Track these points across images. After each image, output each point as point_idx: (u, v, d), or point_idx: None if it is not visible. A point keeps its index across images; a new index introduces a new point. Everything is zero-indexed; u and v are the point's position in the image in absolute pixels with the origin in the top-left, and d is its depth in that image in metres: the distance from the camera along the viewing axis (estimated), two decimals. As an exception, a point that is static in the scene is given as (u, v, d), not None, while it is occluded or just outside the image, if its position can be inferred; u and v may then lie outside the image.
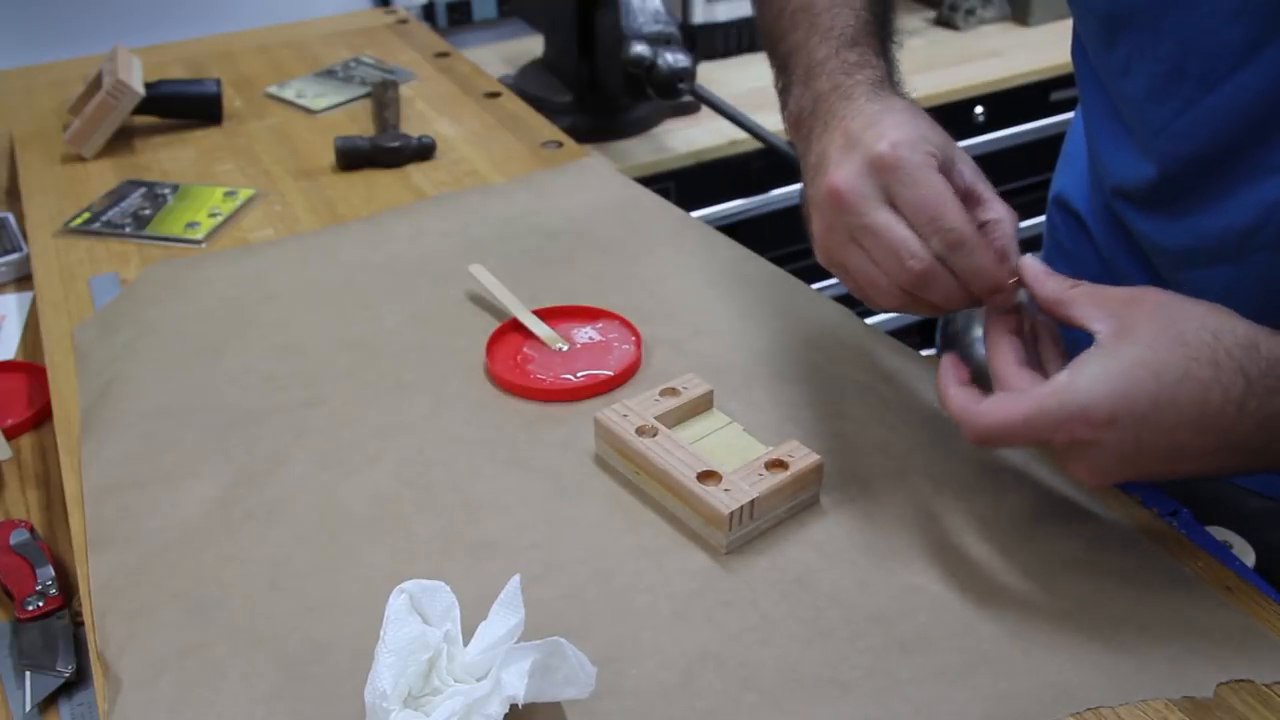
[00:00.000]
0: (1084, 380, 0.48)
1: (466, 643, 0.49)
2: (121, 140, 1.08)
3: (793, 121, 0.62)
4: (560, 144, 1.06)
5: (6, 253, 0.96)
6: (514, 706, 0.46)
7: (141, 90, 1.06)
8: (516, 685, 0.45)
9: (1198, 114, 0.57)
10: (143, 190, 0.98)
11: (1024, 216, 1.79)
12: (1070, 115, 1.59)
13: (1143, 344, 0.48)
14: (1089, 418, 0.47)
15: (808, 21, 0.63)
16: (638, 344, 0.73)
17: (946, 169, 0.53)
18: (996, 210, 0.54)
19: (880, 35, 0.64)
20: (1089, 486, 0.58)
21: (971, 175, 0.55)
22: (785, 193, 1.55)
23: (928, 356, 0.73)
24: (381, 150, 1.02)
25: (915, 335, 1.83)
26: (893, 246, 0.52)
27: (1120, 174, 0.65)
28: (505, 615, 0.48)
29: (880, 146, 0.52)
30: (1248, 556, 0.63)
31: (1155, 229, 0.64)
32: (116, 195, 0.97)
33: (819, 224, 0.57)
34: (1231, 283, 0.60)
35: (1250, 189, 0.57)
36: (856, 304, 1.83)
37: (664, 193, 1.20)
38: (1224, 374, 0.47)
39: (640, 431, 0.61)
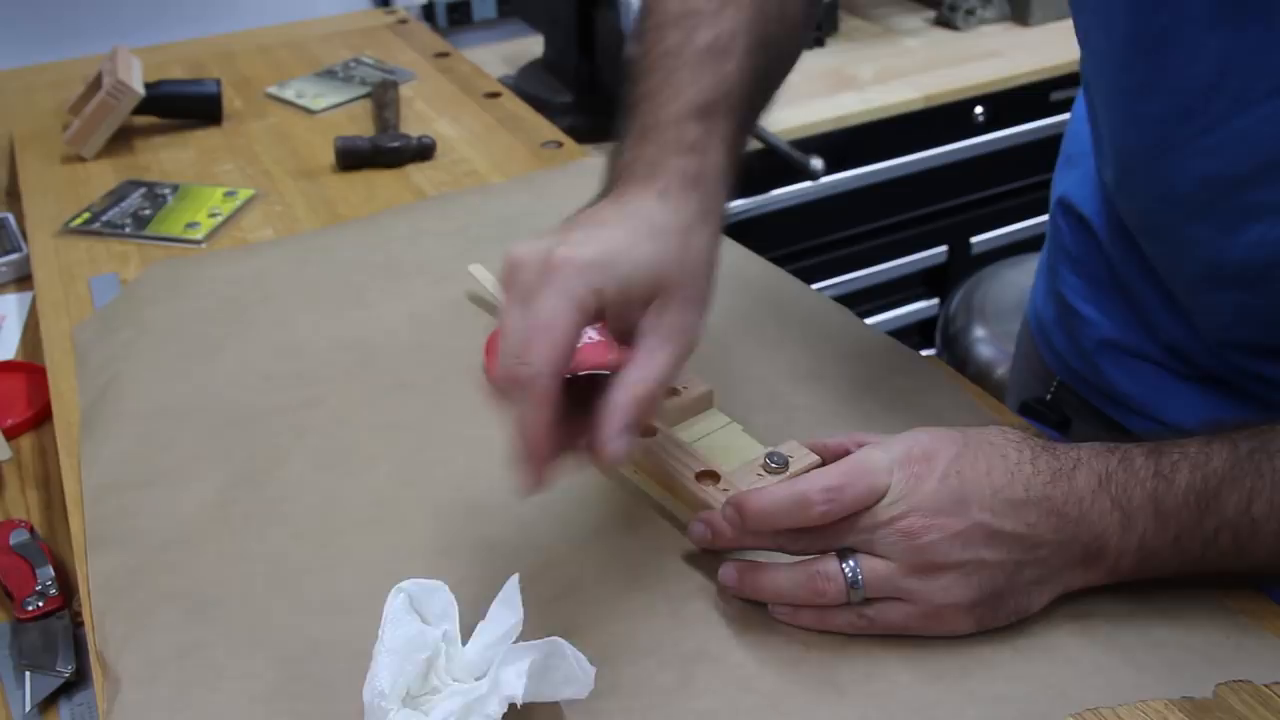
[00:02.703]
0: (890, 440, 0.51)
1: (465, 642, 0.49)
2: (121, 140, 1.08)
3: (613, 171, 0.55)
4: (560, 144, 1.06)
5: (6, 253, 0.96)
6: (512, 706, 0.46)
7: (141, 90, 1.06)
8: (515, 685, 0.45)
9: (1227, 134, 0.54)
10: (143, 190, 0.98)
11: (1024, 217, 1.80)
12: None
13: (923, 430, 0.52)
14: (914, 453, 0.50)
15: (667, 69, 0.56)
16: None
17: (624, 311, 0.49)
18: (634, 375, 0.48)
19: (746, 104, 0.57)
20: (954, 595, 0.49)
21: (653, 326, 0.49)
22: (785, 193, 1.55)
23: (928, 357, 0.73)
24: (381, 150, 1.02)
25: (915, 335, 1.83)
26: (504, 335, 0.48)
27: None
28: (504, 614, 0.48)
29: (562, 250, 0.47)
30: (1247, 557, 0.63)
31: (1167, 252, 0.63)
32: (116, 195, 0.98)
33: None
34: (1243, 307, 0.60)
35: (1274, 218, 0.55)
36: (857, 304, 1.83)
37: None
38: (1011, 441, 0.51)
39: (640, 431, 0.61)
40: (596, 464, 0.50)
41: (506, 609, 0.48)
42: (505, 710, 0.46)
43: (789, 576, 0.51)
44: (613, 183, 0.54)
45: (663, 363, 0.49)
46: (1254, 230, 0.56)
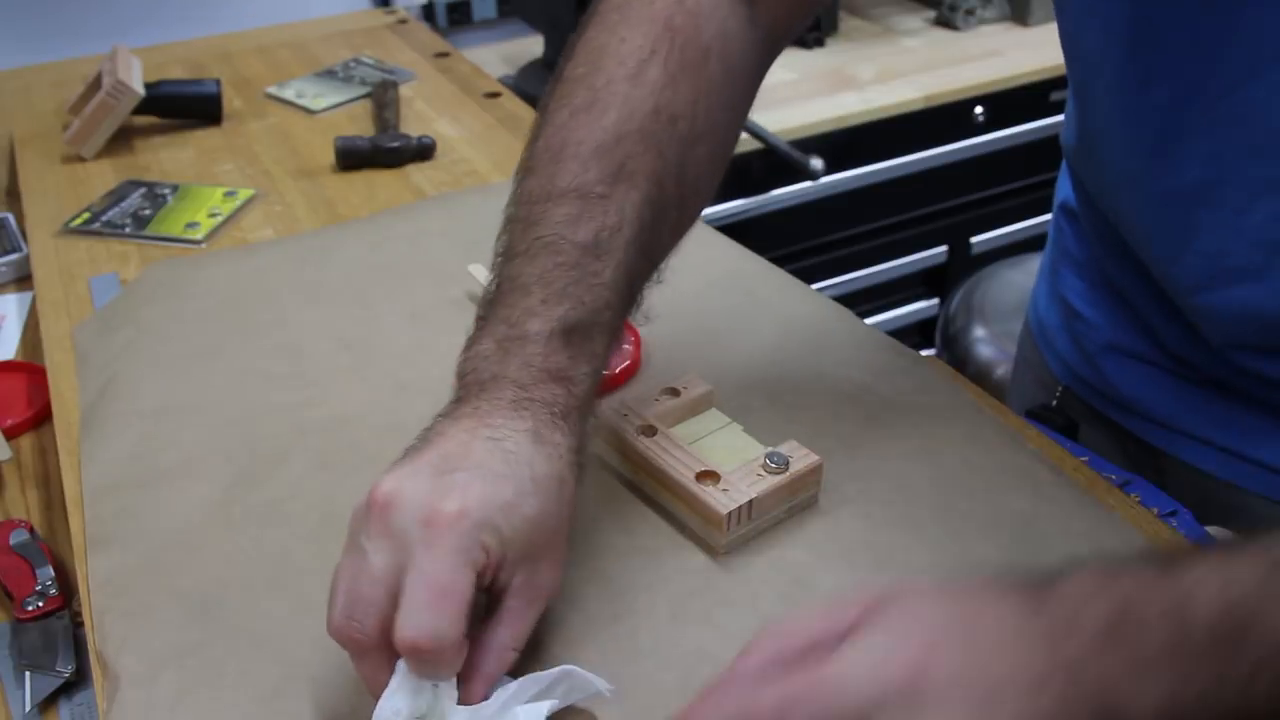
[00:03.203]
0: (887, 616, 0.40)
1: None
2: (121, 140, 1.08)
3: (471, 376, 0.52)
4: (560, 144, 1.06)
5: (6, 253, 0.96)
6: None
7: (141, 90, 1.06)
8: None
9: (1237, 103, 0.54)
10: (143, 190, 0.98)
11: (1024, 217, 1.79)
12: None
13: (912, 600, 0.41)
14: (900, 672, 0.38)
15: (540, 264, 0.52)
16: (637, 344, 0.73)
17: (498, 564, 0.46)
18: (502, 637, 0.47)
19: (620, 310, 0.54)
20: None
21: (522, 587, 0.47)
22: (785, 193, 1.55)
23: (928, 356, 0.73)
24: (381, 150, 1.02)
25: (915, 335, 1.84)
26: (353, 590, 0.45)
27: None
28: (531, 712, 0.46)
29: (450, 503, 0.45)
30: (1247, 557, 0.63)
31: (1169, 254, 0.63)
32: (116, 195, 0.98)
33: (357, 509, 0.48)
34: (1247, 304, 0.59)
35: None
36: (857, 304, 1.83)
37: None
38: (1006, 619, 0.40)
39: (640, 431, 0.61)
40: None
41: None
42: None
43: None
44: (472, 393, 0.50)
45: (528, 624, 0.48)
46: (1265, 207, 0.56)
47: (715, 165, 0.61)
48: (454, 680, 0.46)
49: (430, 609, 0.43)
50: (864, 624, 0.40)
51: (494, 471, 0.46)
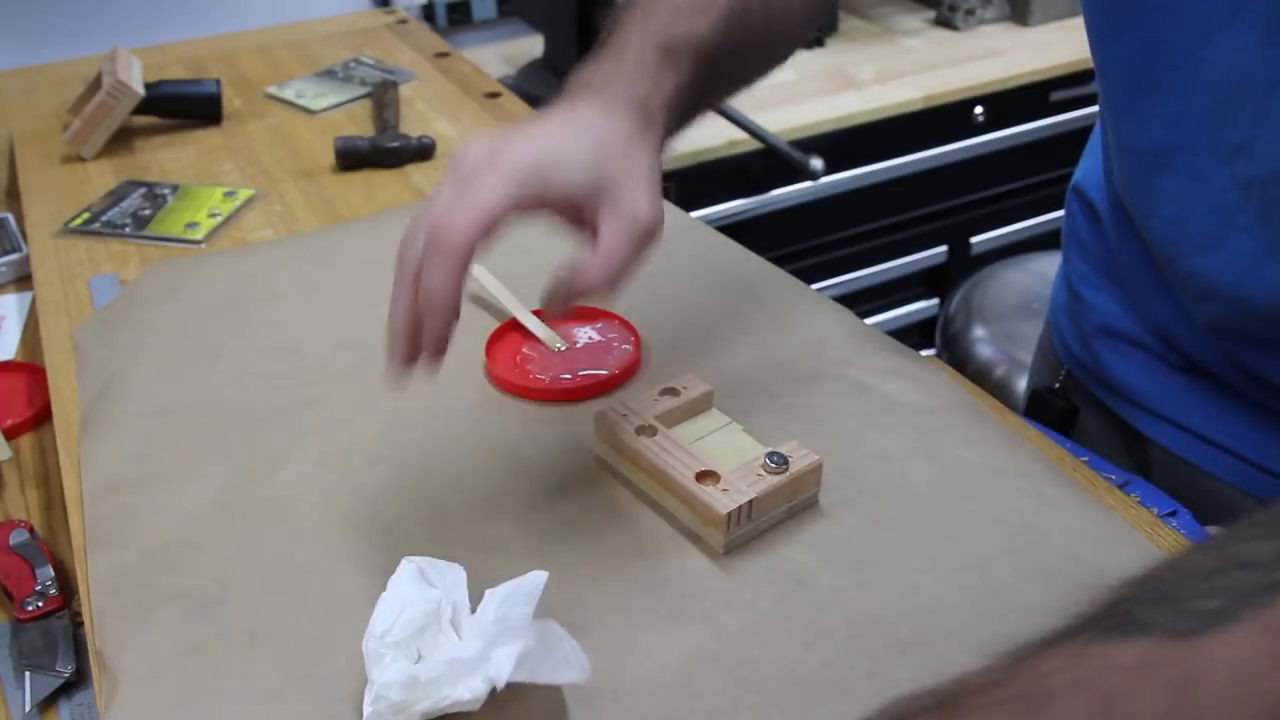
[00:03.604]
0: None
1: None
2: (121, 140, 1.08)
3: (569, 88, 0.58)
4: (560, 144, 1.06)
5: (6, 253, 0.96)
6: (520, 706, 0.46)
7: (141, 90, 1.06)
8: (503, 667, 0.45)
9: (1181, 79, 0.57)
10: (142, 190, 0.98)
11: (1024, 216, 1.79)
12: (1081, 112, 1.58)
13: None
14: None
15: (645, 11, 0.59)
16: (637, 344, 0.73)
17: (563, 200, 0.52)
18: (591, 261, 0.52)
19: (711, 62, 0.59)
20: None
21: (609, 215, 0.52)
22: (785, 193, 1.55)
23: (928, 356, 0.73)
24: (381, 150, 1.02)
25: (915, 335, 1.84)
26: (417, 218, 0.52)
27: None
28: (518, 601, 0.48)
29: (506, 148, 0.51)
30: (1247, 557, 0.63)
31: (1150, 211, 0.65)
32: (116, 195, 0.98)
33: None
34: (1211, 274, 0.61)
35: (1227, 167, 0.57)
36: (857, 304, 1.83)
37: (664, 193, 1.20)
38: None
39: (639, 431, 0.61)
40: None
41: (523, 597, 0.48)
42: (489, 690, 0.46)
43: None
44: (565, 98, 0.56)
45: (619, 249, 0.52)
46: (1222, 174, 0.58)
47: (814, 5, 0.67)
48: (465, 594, 0.49)
49: (461, 210, 0.49)
50: None
51: (554, 129, 0.52)
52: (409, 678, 0.45)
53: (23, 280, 0.95)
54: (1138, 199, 0.66)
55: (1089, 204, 0.76)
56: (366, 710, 0.46)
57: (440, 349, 0.52)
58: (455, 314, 0.51)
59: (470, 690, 0.46)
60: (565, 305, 0.53)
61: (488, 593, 0.49)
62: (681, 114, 0.58)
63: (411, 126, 1.10)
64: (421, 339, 0.52)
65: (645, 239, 0.53)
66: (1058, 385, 0.80)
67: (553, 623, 0.47)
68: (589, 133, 0.52)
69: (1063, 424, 0.79)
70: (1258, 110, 0.55)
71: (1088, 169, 0.78)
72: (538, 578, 0.49)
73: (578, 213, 0.53)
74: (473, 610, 0.49)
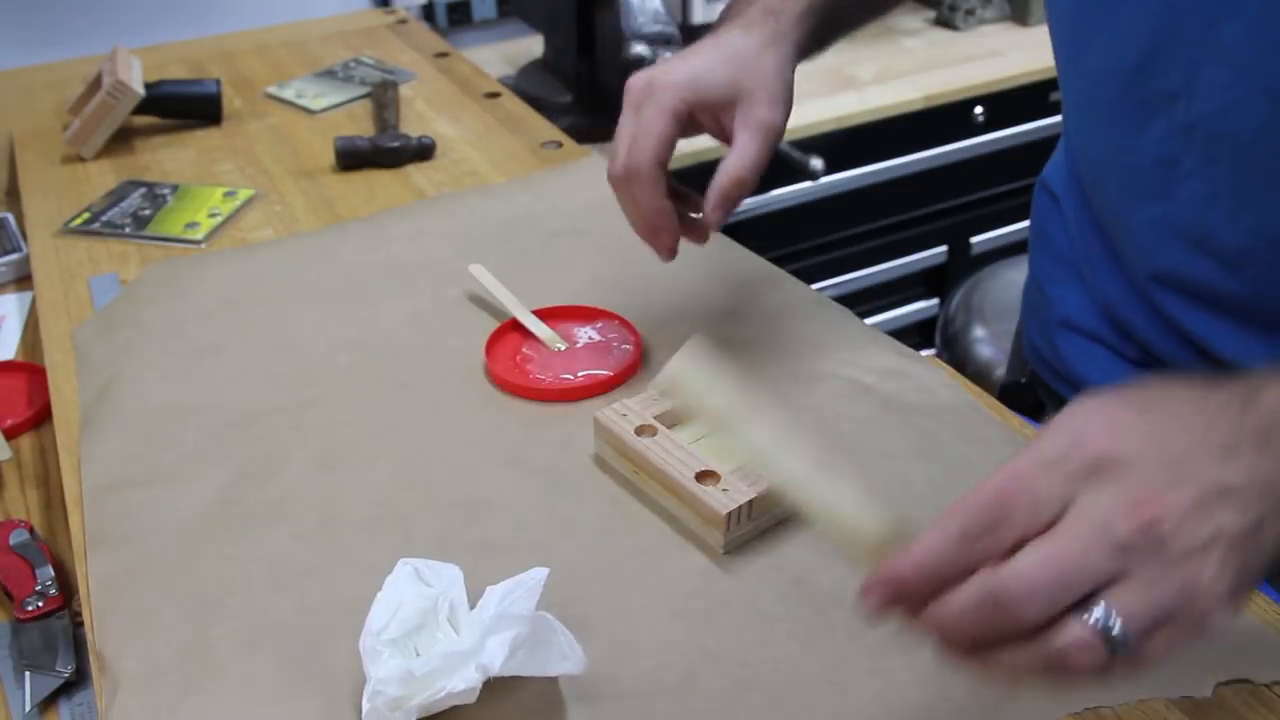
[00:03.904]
0: (1064, 417, 0.40)
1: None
2: (121, 140, 1.08)
3: (718, 21, 0.71)
4: (560, 144, 1.06)
5: (6, 253, 0.96)
6: (518, 706, 0.46)
7: (141, 90, 1.06)
8: (495, 655, 0.46)
9: (1118, 23, 0.60)
10: (142, 190, 0.98)
11: (1024, 217, 1.78)
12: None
13: (1104, 393, 0.41)
14: (1091, 431, 0.39)
15: None
16: (637, 344, 0.73)
17: (711, 111, 0.64)
18: (729, 164, 0.62)
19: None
20: (1212, 582, 0.37)
21: (740, 124, 0.63)
22: (785, 193, 1.55)
23: (928, 356, 0.73)
24: (381, 150, 1.02)
25: (915, 335, 1.83)
26: (619, 146, 0.64)
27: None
28: (520, 597, 0.48)
29: (658, 75, 0.63)
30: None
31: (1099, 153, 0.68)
32: (116, 195, 0.98)
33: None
34: (1165, 222, 0.63)
35: (1166, 114, 0.59)
36: (857, 304, 1.83)
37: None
38: (1196, 393, 0.41)
39: (639, 431, 0.61)
40: (700, 238, 0.69)
41: (524, 593, 0.48)
42: (483, 679, 0.46)
43: (1030, 658, 0.38)
44: (715, 28, 0.68)
45: (751, 150, 0.62)
46: (1159, 125, 0.60)
47: None
48: (462, 591, 0.50)
49: (640, 142, 0.63)
50: (1045, 433, 0.40)
51: (702, 52, 0.65)
52: (405, 672, 0.46)
53: (23, 280, 0.95)
54: (1090, 160, 0.69)
55: (1053, 195, 0.79)
56: (365, 706, 0.46)
57: (673, 249, 0.66)
58: (673, 217, 0.65)
59: (464, 680, 0.46)
60: (724, 204, 0.63)
61: (489, 589, 0.49)
62: (814, 29, 0.68)
63: (411, 126, 1.10)
64: (661, 240, 0.66)
65: (767, 137, 0.63)
66: (1024, 380, 0.82)
67: (546, 614, 0.47)
68: (729, 50, 0.64)
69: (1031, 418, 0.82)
70: (1194, 52, 0.56)
71: (1055, 162, 0.80)
72: (538, 574, 0.49)
73: (723, 122, 0.64)
74: (472, 607, 0.49)
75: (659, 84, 0.63)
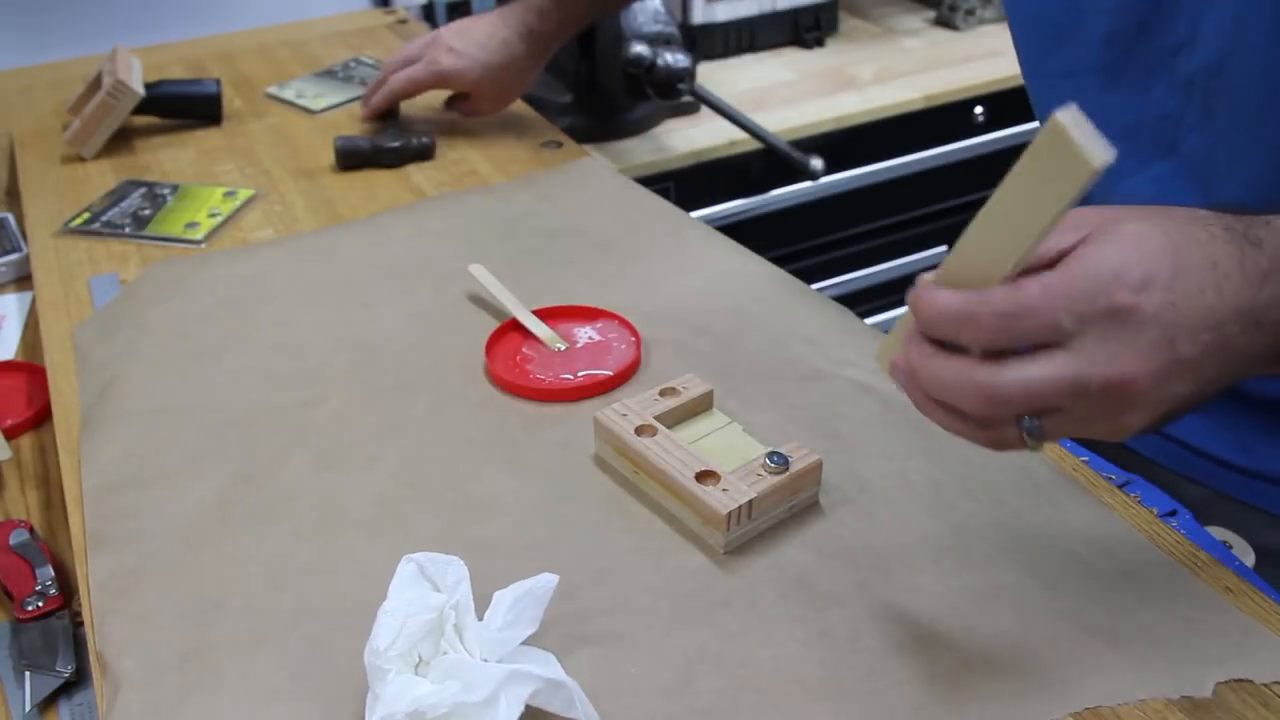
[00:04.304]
0: (1107, 250, 0.43)
1: (480, 615, 0.49)
2: (121, 140, 1.08)
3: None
4: (560, 144, 1.06)
5: (6, 253, 0.96)
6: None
7: (141, 90, 1.06)
8: (510, 712, 0.45)
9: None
10: (142, 190, 0.98)
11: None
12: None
13: (1136, 221, 0.44)
14: (1124, 281, 0.42)
15: None
16: (637, 344, 0.73)
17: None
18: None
19: None
20: (1131, 427, 0.45)
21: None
22: (785, 193, 1.55)
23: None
24: (382, 150, 1.02)
25: (915, 335, 1.83)
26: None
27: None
28: (529, 605, 0.48)
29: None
30: (1248, 557, 0.63)
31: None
32: (116, 195, 0.98)
33: None
34: (1164, 180, 0.64)
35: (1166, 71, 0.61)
36: (857, 304, 1.82)
37: (664, 193, 1.20)
38: (1219, 240, 0.45)
39: (639, 431, 0.61)
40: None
41: (533, 601, 0.48)
42: None
43: (966, 430, 0.47)
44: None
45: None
46: (1118, 94, 0.63)
47: None
48: (468, 591, 0.49)
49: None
50: (1088, 241, 0.44)
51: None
52: (414, 712, 0.45)
53: (23, 280, 0.95)
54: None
55: None
56: None
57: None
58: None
59: None
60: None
61: (497, 595, 0.49)
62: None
63: (411, 127, 1.10)
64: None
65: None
66: None
67: (569, 682, 0.46)
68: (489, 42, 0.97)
69: None
70: (1196, 2, 0.57)
71: None
72: (548, 580, 0.48)
73: None
74: (477, 610, 0.49)
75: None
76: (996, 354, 0.43)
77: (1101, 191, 0.69)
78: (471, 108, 1.07)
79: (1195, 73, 0.60)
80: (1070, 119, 0.40)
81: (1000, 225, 0.44)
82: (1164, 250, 0.43)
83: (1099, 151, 0.39)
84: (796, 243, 1.62)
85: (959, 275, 0.45)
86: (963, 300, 0.44)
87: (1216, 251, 0.44)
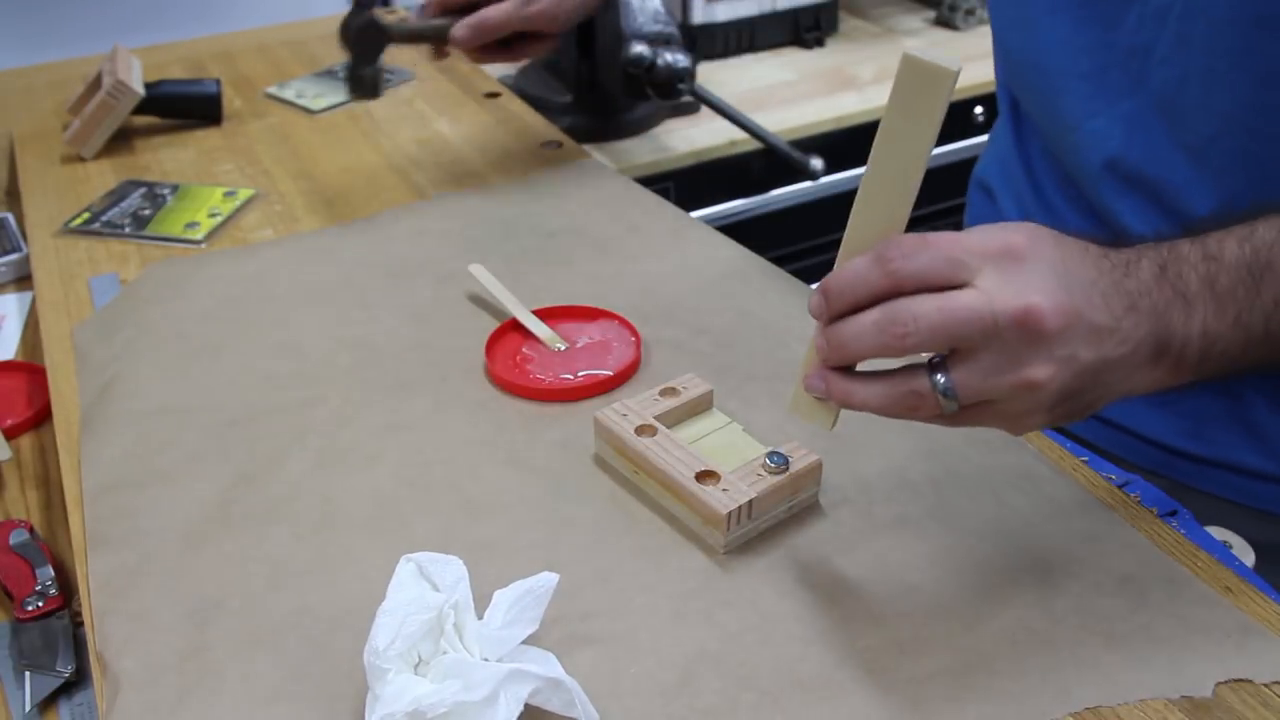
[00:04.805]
0: (997, 226, 0.47)
1: (480, 614, 0.49)
2: (121, 140, 1.08)
3: None
4: (560, 144, 1.06)
5: (6, 253, 0.96)
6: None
7: (141, 90, 1.06)
8: (511, 710, 0.45)
9: None
10: (142, 190, 0.98)
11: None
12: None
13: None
14: (1013, 231, 0.46)
15: None
16: (637, 344, 0.73)
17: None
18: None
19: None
20: (1040, 382, 0.46)
21: None
22: (785, 193, 1.55)
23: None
24: (402, 34, 0.93)
25: (915, 335, 1.83)
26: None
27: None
28: (529, 605, 0.48)
29: None
30: (1248, 556, 0.63)
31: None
32: (116, 195, 0.98)
33: None
34: (1133, 115, 0.65)
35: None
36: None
37: (664, 193, 1.20)
38: (1100, 256, 0.48)
39: (639, 431, 0.61)
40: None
41: (533, 600, 0.48)
42: None
43: (881, 392, 0.49)
44: None
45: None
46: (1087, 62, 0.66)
47: None
48: (468, 591, 0.49)
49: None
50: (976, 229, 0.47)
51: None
52: (414, 712, 0.45)
53: (23, 280, 0.95)
54: (1046, 71, 0.70)
55: (986, 189, 0.82)
56: None
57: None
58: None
59: None
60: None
61: (496, 594, 0.49)
62: None
63: (412, 127, 1.10)
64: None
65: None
66: None
67: (569, 681, 0.46)
68: None
69: None
70: None
71: (986, 160, 0.84)
72: (548, 580, 0.49)
73: None
74: (477, 610, 0.49)
75: None
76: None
77: (1065, 132, 0.69)
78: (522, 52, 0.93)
79: (1169, 4, 0.60)
80: (916, 52, 0.44)
81: (886, 174, 0.47)
82: (1045, 231, 0.47)
83: (950, 63, 0.44)
84: (796, 243, 1.62)
85: (860, 242, 0.49)
86: (869, 254, 0.47)
87: (1082, 245, 0.48)
